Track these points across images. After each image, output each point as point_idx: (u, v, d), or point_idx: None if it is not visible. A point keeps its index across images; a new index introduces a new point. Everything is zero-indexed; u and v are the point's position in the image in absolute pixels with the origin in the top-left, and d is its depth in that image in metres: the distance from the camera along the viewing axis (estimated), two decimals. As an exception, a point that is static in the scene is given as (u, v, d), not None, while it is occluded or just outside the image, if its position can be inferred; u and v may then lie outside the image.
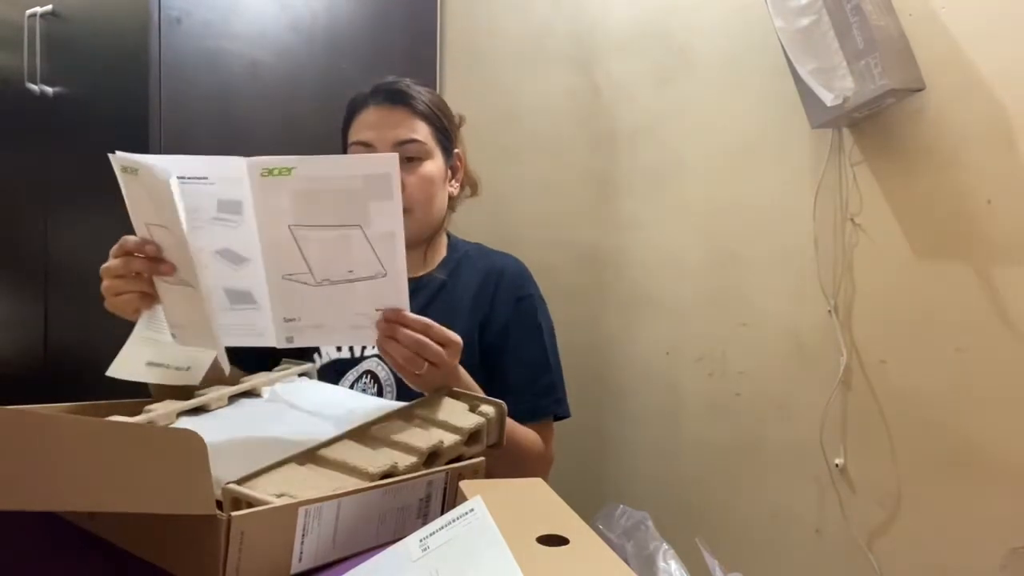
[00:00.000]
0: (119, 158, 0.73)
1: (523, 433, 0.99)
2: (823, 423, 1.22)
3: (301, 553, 0.58)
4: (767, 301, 1.30)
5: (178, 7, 1.26)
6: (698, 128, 1.38)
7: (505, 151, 1.63)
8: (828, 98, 1.10)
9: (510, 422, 0.91)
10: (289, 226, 0.74)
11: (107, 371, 0.81)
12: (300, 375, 0.99)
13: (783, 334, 1.28)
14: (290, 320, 0.79)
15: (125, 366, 0.82)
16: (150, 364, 0.84)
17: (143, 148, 1.24)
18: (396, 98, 1.07)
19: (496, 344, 1.06)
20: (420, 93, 1.10)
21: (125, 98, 1.30)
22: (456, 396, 0.84)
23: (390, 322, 0.78)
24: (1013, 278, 1.04)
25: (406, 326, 0.78)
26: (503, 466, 0.80)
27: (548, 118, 1.60)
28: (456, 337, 0.82)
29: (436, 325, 0.80)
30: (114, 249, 0.80)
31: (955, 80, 1.07)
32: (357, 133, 1.08)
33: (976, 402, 1.07)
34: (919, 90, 1.09)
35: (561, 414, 1.09)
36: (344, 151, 1.12)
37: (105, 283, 0.80)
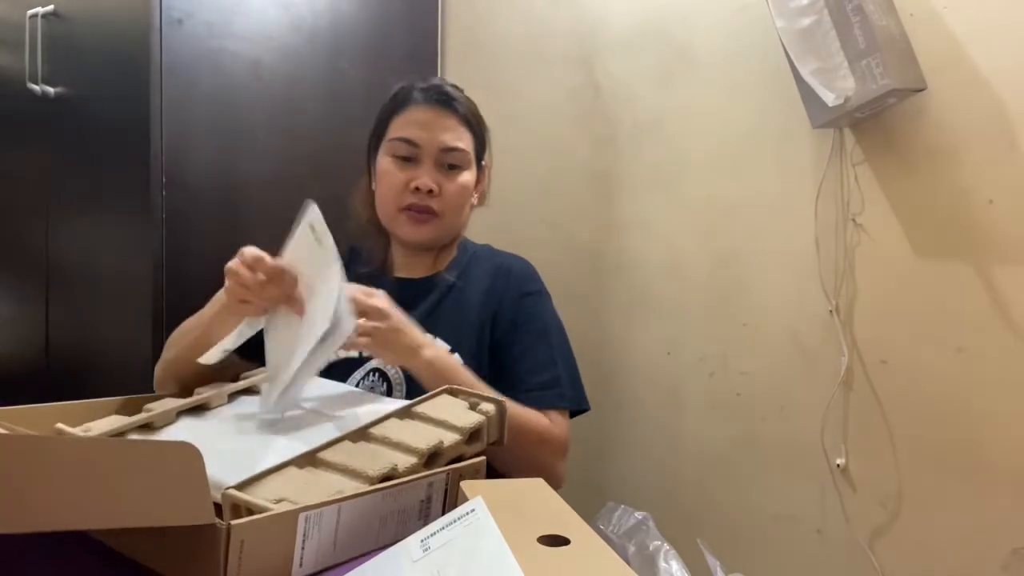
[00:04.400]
0: (316, 220, 0.82)
1: (525, 412, 0.98)
2: (824, 423, 1.22)
3: (302, 559, 0.57)
4: (768, 301, 1.29)
5: (179, 8, 1.26)
6: (699, 128, 1.38)
7: (506, 151, 1.62)
8: (829, 98, 1.10)
9: (512, 404, 0.92)
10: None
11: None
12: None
13: (784, 334, 1.27)
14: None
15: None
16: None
17: (144, 148, 1.24)
18: (446, 102, 1.07)
19: (504, 340, 1.06)
20: (465, 100, 1.11)
21: (126, 98, 1.30)
22: (455, 394, 0.84)
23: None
24: (1014, 278, 1.04)
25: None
26: (508, 448, 0.83)
27: (549, 118, 1.60)
28: (372, 291, 0.91)
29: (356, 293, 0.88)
30: (250, 259, 0.84)
31: (957, 80, 1.07)
32: (402, 129, 1.07)
33: (977, 402, 1.07)
34: (920, 90, 1.09)
35: (565, 406, 1.06)
36: (378, 140, 1.11)
37: (231, 285, 0.85)
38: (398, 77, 1.13)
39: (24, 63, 1.49)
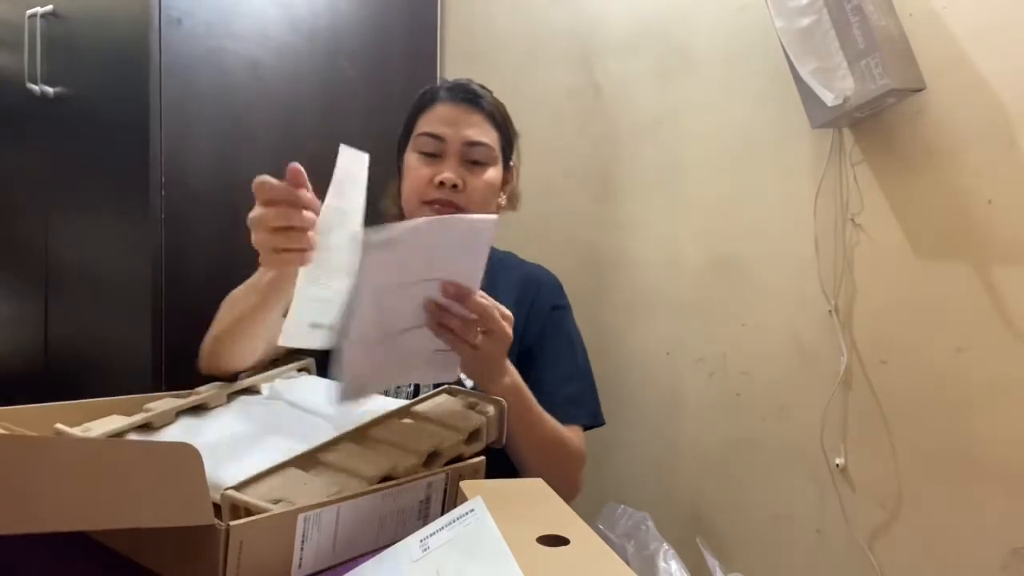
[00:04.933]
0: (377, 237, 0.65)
1: (562, 429, 0.99)
2: (823, 423, 1.22)
3: (301, 559, 0.57)
4: (767, 301, 1.29)
5: (179, 7, 1.26)
6: (698, 128, 1.38)
7: (505, 151, 1.63)
8: (828, 98, 1.10)
9: (554, 423, 0.95)
10: (372, 286, 0.68)
11: (279, 341, 0.74)
12: (299, 370, 0.99)
13: (783, 334, 1.27)
14: (355, 382, 0.74)
15: (293, 333, 0.75)
16: (314, 326, 0.77)
17: (144, 148, 1.24)
18: (472, 99, 1.08)
19: (532, 352, 1.06)
20: (491, 99, 1.11)
21: (126, 98, 1.30)
22: (455, 394, 0.84)
23: (452, 296, 0.73)
24: (1013, 278, 1.04)
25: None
26: (543, 459, 0.85)
27: (548, 118, 1.60)
28: (509, 313, 0.81)
29: (494, 301, 0.78)
30: (263, 194, 0.72)
31: (956, 80, 1.07)
32: (428, 125, 1.07)
33: (976, 402, 1.07)
34: (920, 90, 1.09)
35: (590, 422, 1.08)
36: (405, 141, 1.11)
37: (259, 236, 0.73)
38: (398, 77, 1.13)
39: (23, 63, 1.49)
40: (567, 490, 1.00)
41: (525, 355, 1.06)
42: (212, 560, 0.52)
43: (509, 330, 0.81)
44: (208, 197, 1.31)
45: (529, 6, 1.63)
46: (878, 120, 1.14)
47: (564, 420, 1.02)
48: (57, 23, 1.47)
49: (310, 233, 0.73)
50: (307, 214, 0.73)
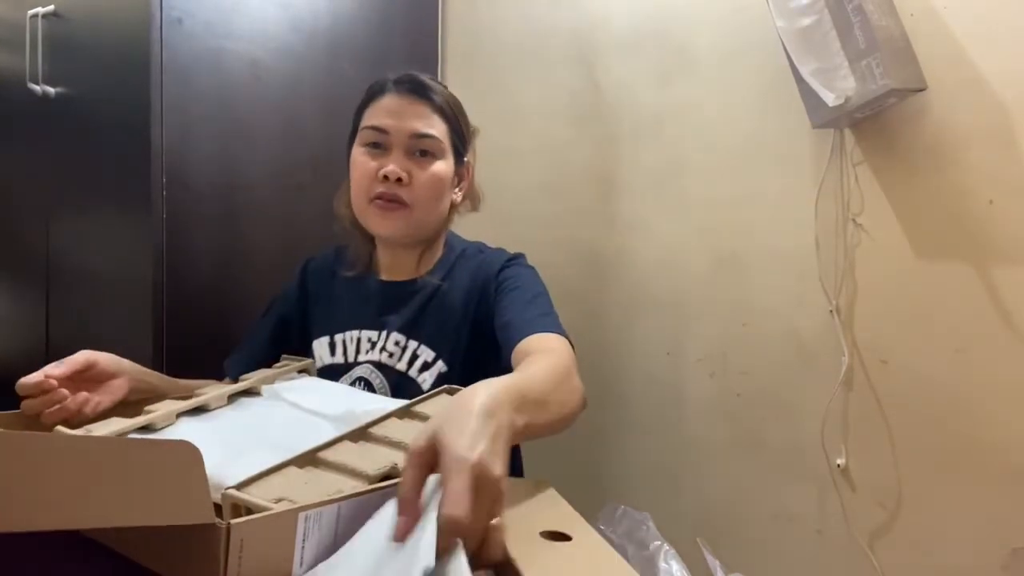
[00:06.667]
0: None
1: (546, 364, 0.82)
2: (824, 423, 1.22)
3: (302, 558, 0.57)
4: (768, 301, 1.29)
5: (179, 7, 1.26)
6: (699, 128, 1.38)
7: (506, 151, 1.63)
8: (829, 98, 1.10)
9: (535, 371, 0.79)
10: None
11: None
12: (299, 372, 0.99)
13: (784, 334, 1.27)
14: None
15: None
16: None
17: (145, 148, 1.24)
18: (419, 91, 1.05)
19: (491, 309, 1.02)
20: (442, 91, 1.08)
21: (126, 98, 1.30)
22: (454, 394, 0.84)
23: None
24: (1014, 278, 1.04)
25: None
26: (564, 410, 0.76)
27: (549, 118, 1.60)
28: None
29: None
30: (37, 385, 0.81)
31: (957, 80, 1.07)
32: (373, 117, 1.05)
33: (977, 402, 1.07)
34: (921, 90, 1.09)
35: (563, 333, 0.95)
36: (354, 134, 1.09)
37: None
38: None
39: (24, 63, 1.49)
40: (580, 400, 0.86)
41: (485, 322, 1.02)
42: (213, 559, 0.52)
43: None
44: (208, 197, 1.31)
45: (530, 6, 1.63)
46: (879, 120, 1.14)
47: (542, 330, 0.92)
48: (58, 23, 1.47)
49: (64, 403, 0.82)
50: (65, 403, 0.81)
